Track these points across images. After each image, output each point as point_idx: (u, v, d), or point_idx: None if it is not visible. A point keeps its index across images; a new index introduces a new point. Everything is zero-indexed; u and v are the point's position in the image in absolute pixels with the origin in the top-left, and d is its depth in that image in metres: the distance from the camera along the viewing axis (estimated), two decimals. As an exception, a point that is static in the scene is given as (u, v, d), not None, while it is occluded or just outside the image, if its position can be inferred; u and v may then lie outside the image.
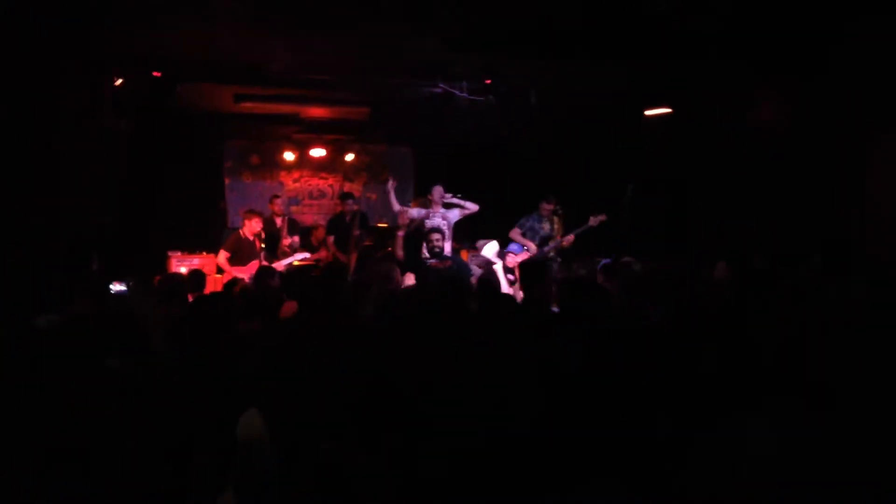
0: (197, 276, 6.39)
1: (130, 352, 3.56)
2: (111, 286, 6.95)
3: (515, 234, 8.73)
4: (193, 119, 9.87)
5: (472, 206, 8.45)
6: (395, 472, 2.46)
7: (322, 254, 9.46)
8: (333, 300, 4.57)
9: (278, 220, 9.22)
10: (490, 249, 7.62)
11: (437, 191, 8.48)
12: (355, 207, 9.68)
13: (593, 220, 8.35)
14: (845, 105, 7.64)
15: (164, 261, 9.17)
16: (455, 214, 8.43)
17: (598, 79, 8.64)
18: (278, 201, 9.47)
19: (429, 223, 8.30)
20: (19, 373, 3.10)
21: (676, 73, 8.26)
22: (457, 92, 8.81)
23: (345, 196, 9.93)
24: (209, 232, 10.20)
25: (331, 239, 9.57)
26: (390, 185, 8.63)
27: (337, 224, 9.68)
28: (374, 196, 11.83)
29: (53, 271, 6.54)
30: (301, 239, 9.42)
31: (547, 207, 8.76)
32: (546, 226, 8.74)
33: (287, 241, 8.98)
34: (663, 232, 9.37)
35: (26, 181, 6.10)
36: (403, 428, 2.58)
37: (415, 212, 8.45)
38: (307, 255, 8.85)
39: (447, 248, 8.11)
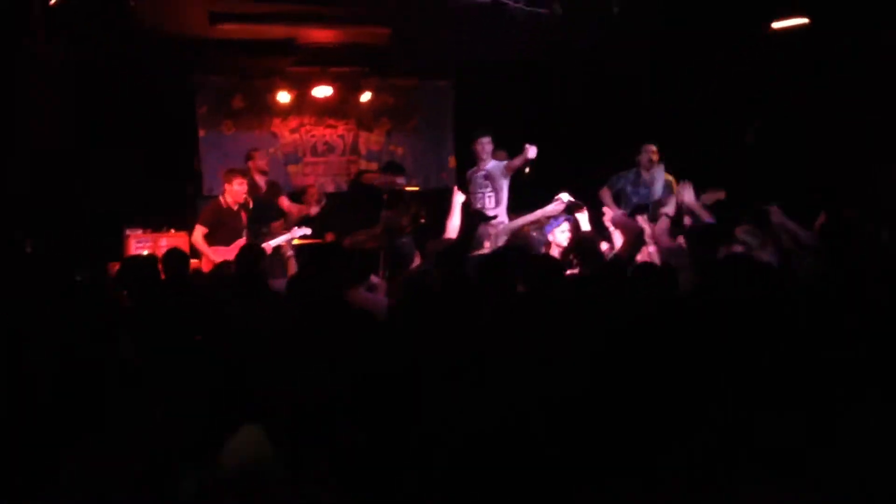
0: (175, 258, 6.40)
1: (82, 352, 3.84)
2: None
3: (605, 195, 8.85)
4: (155, 49, 9.74)
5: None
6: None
7: (329, 236, 9.85)
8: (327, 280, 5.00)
9: (261, 181, 9.43)
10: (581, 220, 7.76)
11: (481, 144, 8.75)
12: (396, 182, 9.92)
13: (707, 198, 8.29)
14: None
15: (119, 242, 9.35)
16: (500, 168, 8.63)
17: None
18: (260, 154, 9.60)
19: (471, 187, 8.73)
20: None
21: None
22: (510, 1, 8.72)
23: (397, 169, 9.99)
24: (179, 202, 10.30)
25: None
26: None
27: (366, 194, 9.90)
28: (399, 149, 11.85)
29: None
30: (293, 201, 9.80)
31: (647, 157, 8.89)
32: (644, 190, 8.88)
33: (314, 209, 9.45)
34: (796, 179, 9.36)
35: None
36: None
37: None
38: (307, 230, 8.90)
39: (497, 213, 8.48)
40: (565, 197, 7.64)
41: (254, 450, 2.68)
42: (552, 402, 3.28)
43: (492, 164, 8.68)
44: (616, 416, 3.17)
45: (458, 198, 7.91)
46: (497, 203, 8.64)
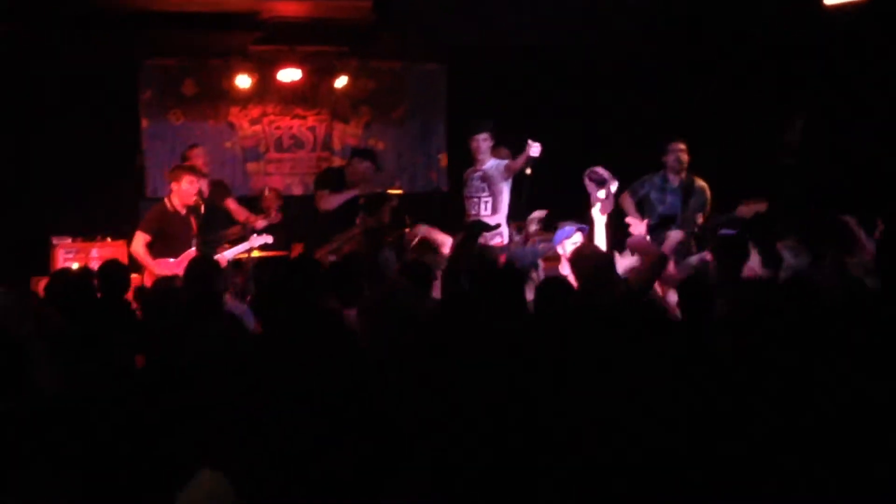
0: (113, 272, 6.41)
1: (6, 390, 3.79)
2: None
3: (626, 202, 8.68)
4: (91, 24, 9.65)
5: None
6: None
7: (297, 247, 9.76)
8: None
9: (202, 183, 9.20)
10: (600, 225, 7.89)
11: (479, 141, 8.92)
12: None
13: (745, 209, 8.22)
14: None
15: (45, 253, 9.44)
16: (499, 169, 8.75)
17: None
18: (197, 153, 9.54)
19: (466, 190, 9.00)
20: None
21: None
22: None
23: (362, 154, 9.75)
24: (116, 205, 10.18)
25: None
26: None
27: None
28: (381, 144, 11.57)
29: None
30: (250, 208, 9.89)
31: (674, 158, 8.76)
32: (672, 197, 8.83)
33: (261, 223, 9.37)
34: (851, 187, 9.25)
35: None
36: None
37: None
38: (269, 239, 8.99)
39: (497, 221, 8.60)
40: (613, 186, 7.84)
41: (212, 500, 2.70)
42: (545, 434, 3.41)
43: (490, 164, 8.76)
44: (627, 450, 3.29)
45: (422, 231, 7.91)
46: (494, 209, 8.76)
